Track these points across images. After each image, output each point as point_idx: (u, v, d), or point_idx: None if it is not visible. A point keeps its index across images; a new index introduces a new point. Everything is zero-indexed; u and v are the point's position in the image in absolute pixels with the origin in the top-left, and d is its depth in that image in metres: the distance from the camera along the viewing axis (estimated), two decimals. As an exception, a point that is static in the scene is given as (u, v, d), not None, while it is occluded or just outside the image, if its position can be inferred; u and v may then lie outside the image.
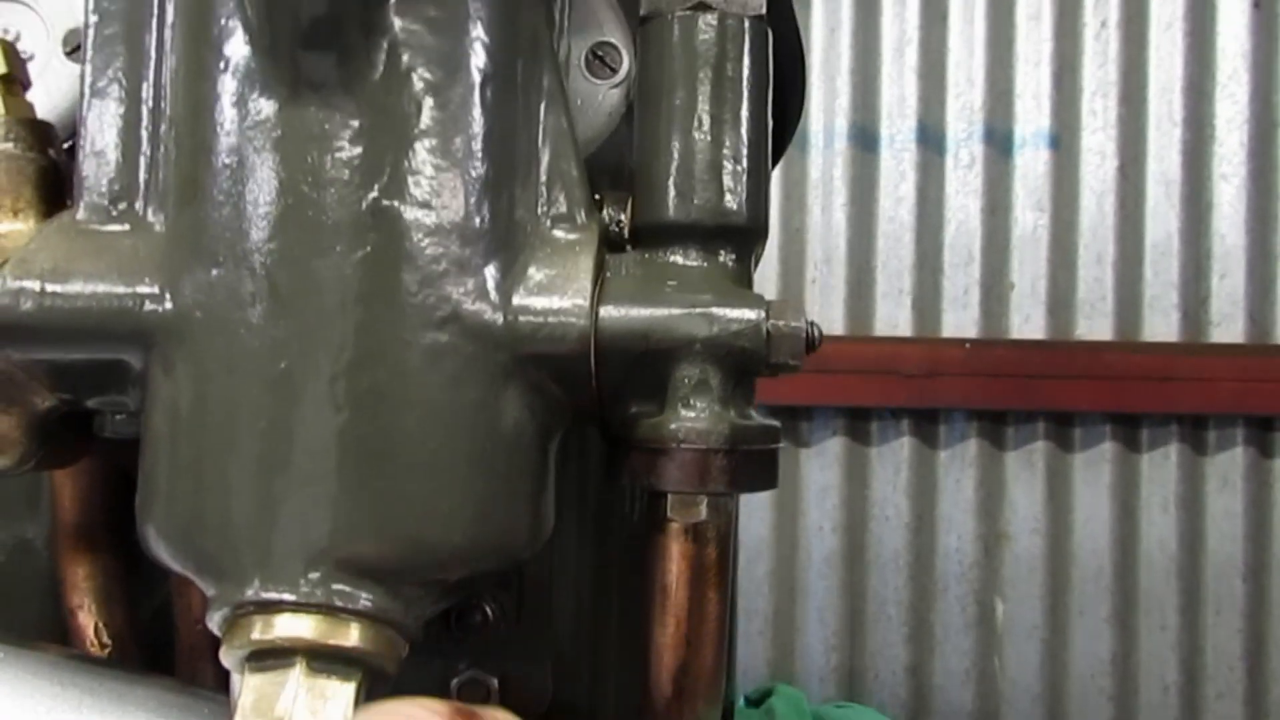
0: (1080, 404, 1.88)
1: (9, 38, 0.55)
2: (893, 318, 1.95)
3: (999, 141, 1.94)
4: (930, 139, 1.95)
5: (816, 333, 0.36)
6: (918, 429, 1.95)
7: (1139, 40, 1.90)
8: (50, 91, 0.52)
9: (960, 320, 1.95)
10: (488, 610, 0.48)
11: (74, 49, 0.54)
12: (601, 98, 0.53)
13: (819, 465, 1.95)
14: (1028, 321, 1.93)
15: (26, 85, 0.42)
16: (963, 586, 1.94)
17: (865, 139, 1.96)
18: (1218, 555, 1.89)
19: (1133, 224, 1.91)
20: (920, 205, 1.95)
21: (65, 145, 0.48)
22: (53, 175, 0.40)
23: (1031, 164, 1.94)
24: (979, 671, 1.91)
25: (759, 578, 1.91)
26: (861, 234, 1.96)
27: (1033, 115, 1.94)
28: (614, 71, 0.54)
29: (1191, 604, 1.89)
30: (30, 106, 0.42)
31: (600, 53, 0.54)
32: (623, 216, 0.42)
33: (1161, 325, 1.90)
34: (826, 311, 1.94)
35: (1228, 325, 1.88)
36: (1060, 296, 1.92)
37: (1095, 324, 1.92)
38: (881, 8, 1.96)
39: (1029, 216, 1.94)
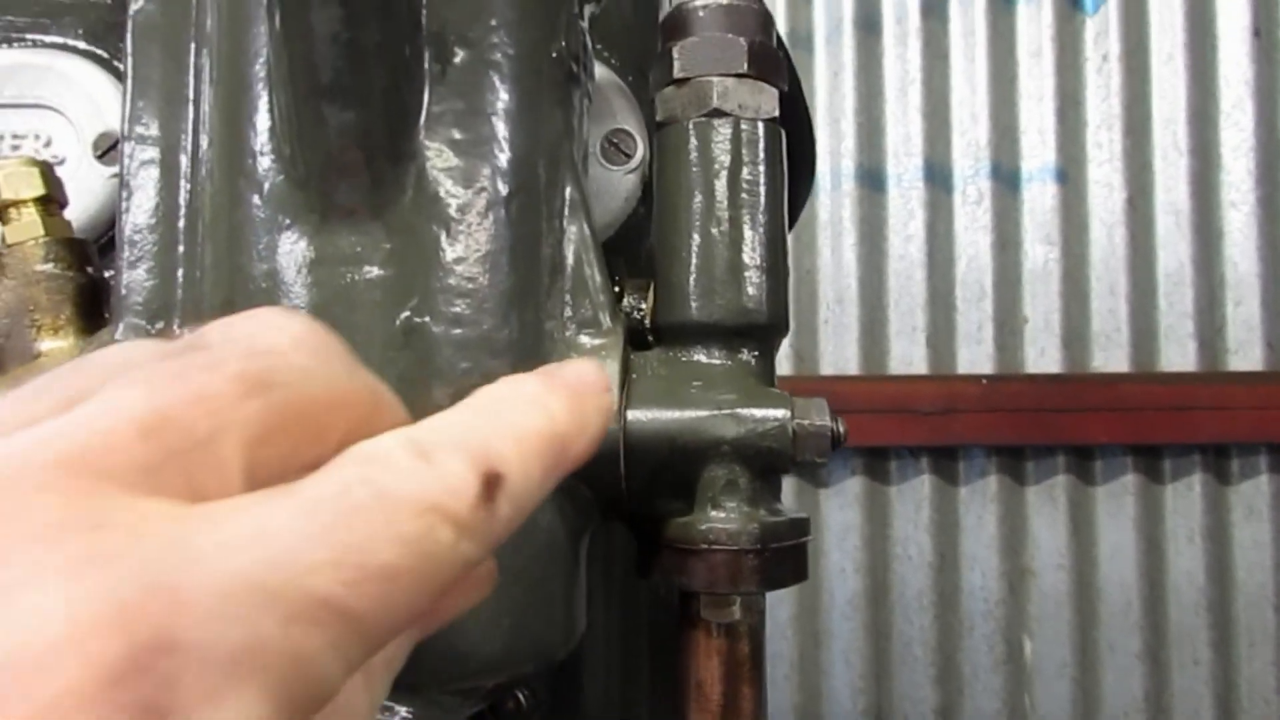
0: (1100, 436, 1.87)
1: (40, 142, 0.57)
2: (907, 356, 1.95)
3: (1006, 177, 1.95)
4: (937, 177, 1.96)
5: (841, 429, 0.36)
6: (937, 466, 1.94)
7: (1141, 72, 1.91)
8: (81, 194, 0.53)
9: (975, 356, 1.95)
10: (521, 698, 0.49)
11: (103, 152, 0.56)
12: (618, 183, 0.55)
13: (839, 505, 1.94)
14: (1043, 355, 1.93)
15: (64, 204, 0.44)
16: (989, 625, 1.92)
17: (872, 179, 1.97)
18: (1247, 586, 1.87)
19: (1144, 255, 1.91)
20: (930, 242, 1.95)
21: (97, 243, 0.49)
22: (91, 292, 0.42)
23: (1039, 198, 1.94)
24: (1010, 711, 1.89)
25: (782, 622, 1.89)
26: (873, 273, 1.96)
27: (1038, 150, 1.95)
28: (629, 158, 0.55)
29: (1223, 637, 1.87)
30: (68, 225, 0.43)
31: (615, 140, 0.55)
32: (643, 305, 0.43)
33: (1178, 355, 1.89)
34: (840, 351, 1.94)
35: (1245, 352, 1.88)
36: (1075, 329, 1.92)
37: (1111, 356, 1.91)
38: (883, 49, 1.98)
39: (1039, 250, 1.94)
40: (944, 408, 1.86)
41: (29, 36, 0.59)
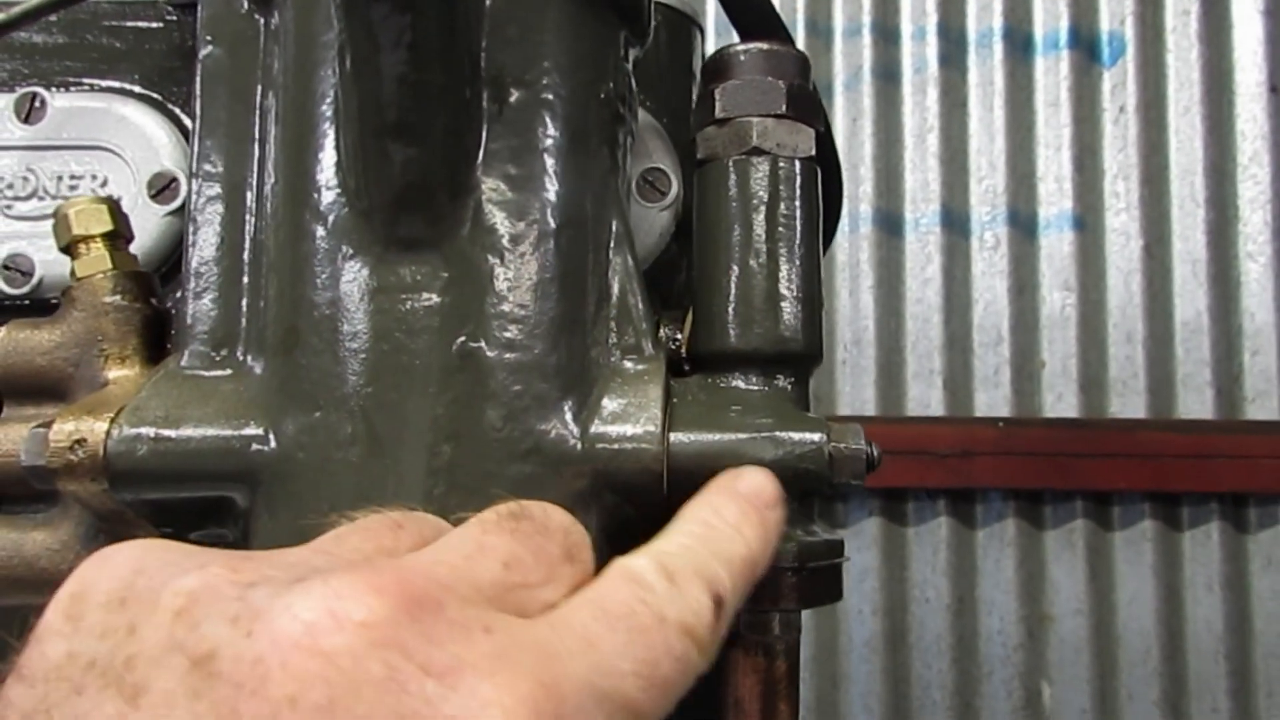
0: (1118, 483, 1.87)
1: (96, 182, 0.60)
2: (925, 398, 1.96)
3: (1023, 224, 1.97)
4: (955, 222, 1.98)
5: (876, 453, 0.38)
6: (954, 509, 1.94)
7: (1159, 124, 1.94)
8: (137, 231, 0.56)
9: (993, 400, 1.95)
10: None
11: (158, 191, 0.58)
12: (653, 219, 0.57)
13: (857, 547, 1.94)
14: (1060, 400, 1.94)
15: (129, 240, 0.46)
16: (1008, 670, 1.91)
17: (890, 223, 2.00)
18: (1266, 636, 1.86)
19: (1161, 303, 1.92)
20: (947, 286, 1.97)
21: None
22: (155, 323, 0.44)
23: (1057, 245, 1.96)
24: (1028, 758, 1.88)
25: (801, 665, 1.89)
26: (890, 316, 1.98)
27: (1055, 198, 1.97)
28: (663, 195, 0.57)
29: (1243, 686, 1.86)
30: (134, 259, 0.45)
31: (650, 178, 0.57)
32: (679, 335, 0.45)
33: (1195, 403, 1.90)
34: (858, 393, 1.95)
35: (1262, 402, 1.88)
36: (1092, 375, 1.93)
37: (1129, 402, 1.92)
38: (902, 97, 2.01)
39: (1057, 296, 1.95)
40: (961, 450, 1.87)
41: (86, 81, 0.61)
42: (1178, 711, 1.86)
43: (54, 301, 0.58)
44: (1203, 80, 1.93)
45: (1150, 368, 1.91)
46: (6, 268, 0.57)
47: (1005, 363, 1.94)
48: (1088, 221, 1.95)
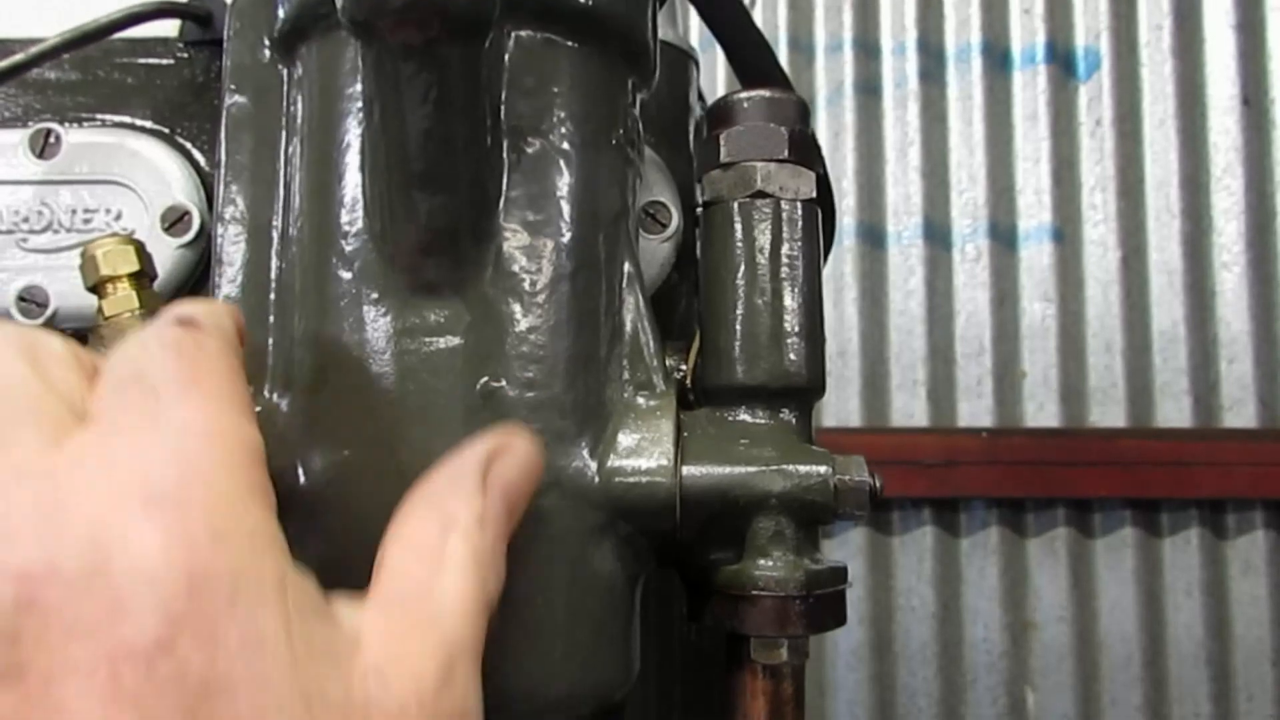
0: (1099, 490, 1.90)
1: (110, 215, 0.61)
2: (908, 409, 1.99)
3: (1003, 236, 2.00)
4: (936, 235, 2.01)
5: (878, 484, 0.40)
6: (939, 518, 1.97)
7: (1134, 137, 1.98)
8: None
9: (975, 410, 1.98)
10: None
11: (171, 224, 0.59)
12: (654, 251, 0.58)
13: (843, 556, 1.96)
14: (1041, 410, 1.97)
15: (154, 278, 0.47)
16: (993, 677, 1.94)
17: (873, 236, 2.03)
18: (1245, 640, 1.89)
19: (1139, 312, 1.96)
20: (930, 298, 2.00)
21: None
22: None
23: (1036, 257, 1.99)
24: (1014, 764, 1.90)
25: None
26: (874, 327, 2.01)
27: (1035, 210, 2.00)
28: (664, 227, 0.59)
29: (1223, 691, 1.89)
30: (159, 298, 0.47)
31: (652, 210, 0.59)
32: (683, 366, 0.47)
33: (1174, 411, 1.93)
34: (843, 404, 1.98)
35: (1239, 410, 1.92)
36: (1072, 385, 1.96)
37: (1108, 411, 1.95)
38: (883, 111, 2.04)
39: (1037, 307, 1.99)
40: (945, 460, 1.90)
41: (99, 116, 0.63)
42: (1160, 716, 1.89)
43: (68, 333, 0.59)
44: (1177, 93, 1.97)
45: (1129, 377, 1.94)
46: (22, 299, 0.59)
47: (987, 373, 1.97)
48: (1066, 233, 1.98)
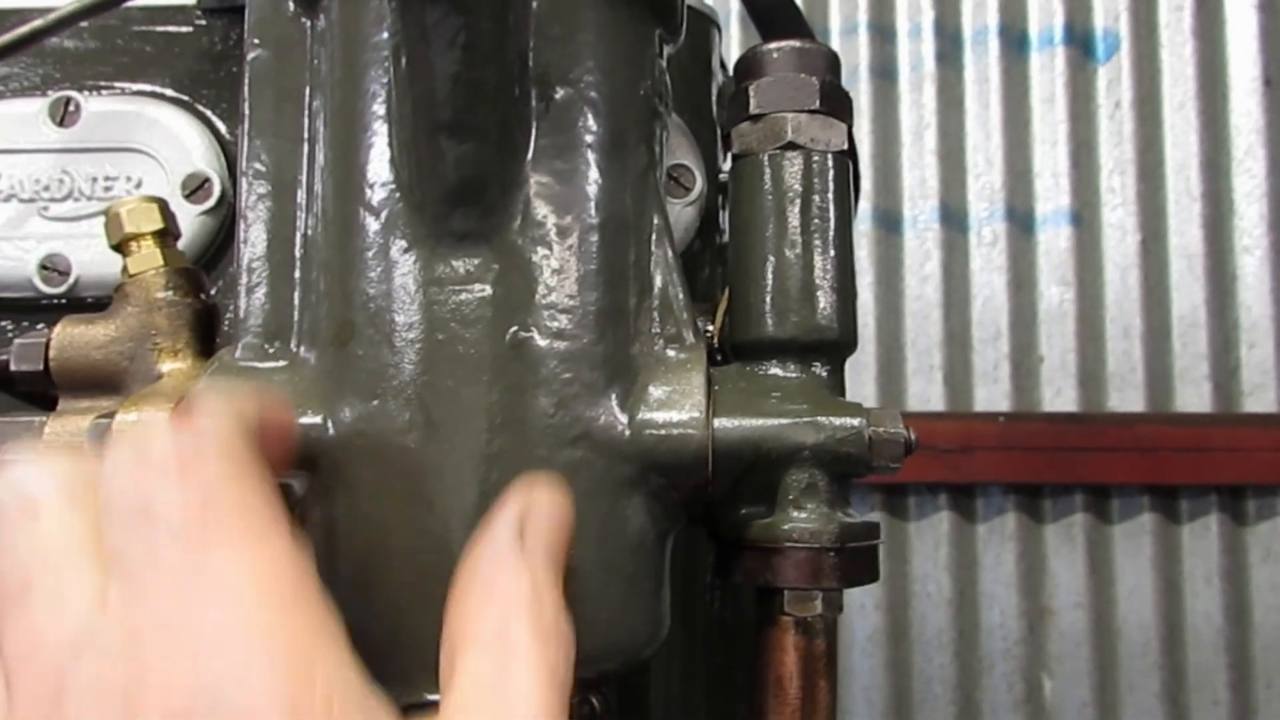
0: (1117, 476, 1.89)
1: (130, 184, 0.61)
2: (924, 394, 1.98)
3: (1020, 219, 1.99)
4: (953, 219, 2.00)
5: (913, 438, 0.39)
6: (955, 504, 1.96)
7: (1154, 120, 1.96)
8: (173, 230, 0.56)
9: (992, 395, 1.97)
10: (594, 702, 0.51)
11: (192, 192, 0.59)
12: (678, 215, 0.58)
13: (857, 543, 1.95)
14: (1059, 395, 1.95)
15: (178, 236, 0.47)
16: (1009, 663, 1.93)
17: (889, 221, 2.01)
18: (1265, 628, 1.88)
19: (1158, 297, 1.94)
20: (946, 283, 1.98)
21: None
22: (206, 318, 0.45)
23: (1054, 240, 1.98)
24: (1031, 751, 1.89)
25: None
26: (890, 312, 1.99)
27: (1052, 193, 1.98)
28: (688, 191, 0.59)
29: (1242, 679, 1.88)
30: (183, 256, 0.47)
31: (675, 174, 0.59)
32: (710, 327, 0.46)
33: (1193, 397, 1.91)
34: (859, 389, 1.97)
35: (1259, 395, 1.90)
36: (1090, 370, 1.95)
37: (1127, 396, 1.93)
38: (899, 94, 2.03)
39: (1054, 291, 1.97)
40: (961, 445, 1.88)
41: (117, 85, 0.62)
42: (1178, 704, 1.88)
43: (90, 301, 0.59)
44: (1197, 75, 1.95)
45: (1148, 362, 1.92)
46: (44, 268, 0.58)
47: (1004, 358, 1.96)
48: (1084, 217, 1.96)
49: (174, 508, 0.28)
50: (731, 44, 1.91)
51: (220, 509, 0.28)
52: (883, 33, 2.03)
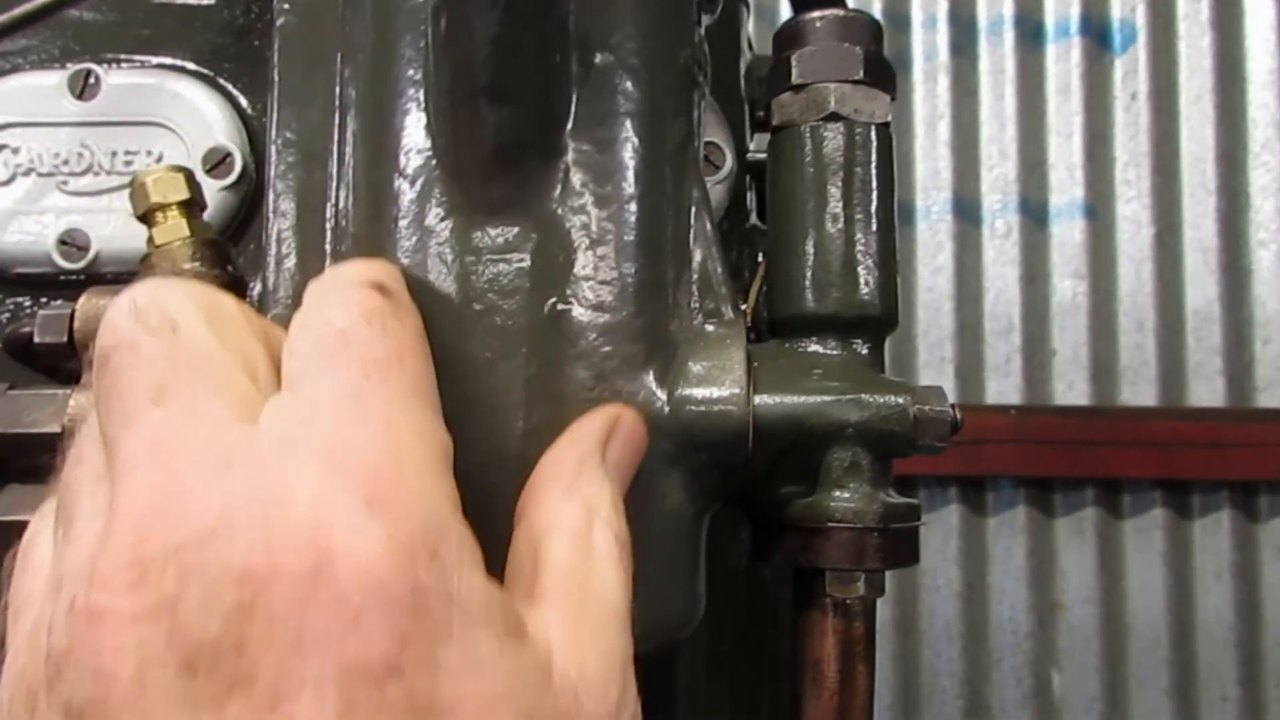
0: (1128, 471, 1.88)
1: (151, 158, 0.60)
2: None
3: (1034, 212, 1.97)
4: (966, 210, 1.99)
5: (959, 417, 0.38)
6: (965, 496, 1.95)
7: (1170, 112, 1.94)
8: (193, 204, 0.56)
9: (1003, 388, 1.96)
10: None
11: (213, 166, 0.58)
12: (709, 193, 0.57)
13: (866, 536, 1.94)
14: (1071, 389, 1.94)
15: (204, 207, 0.46)
16: (1018, 658, 1.92)
17: (901, 212, 2.00)
18: (1276, 624, 1.87)
19: (1172, 291, 1.93)
20: (959, 275, 1.97)
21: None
22: (232, 289, 0.44)
23: (1068, 233, 1.96)
24: (1039, 745, 1.89)
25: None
26: (901, 304, 1.98)
27: (1066, 186, 1.97)
28: (718, 169, 0.57)
29: (1252, 675, 1.87)
30: (209, 227, 0.46)
31: (706, 152, 0.57)
32: (743, 305, 0.45)
33: (1206, 391, 1.90)
34: (869, 382, 1.95)
35: (1273, 390, 1.89)
36: (1102, 363, 1.94)
37: (1139, 390, 1.92)
38: (913, 84, 2.01)
39: (1068, 284, 1.96)
40: (972, 438, 1.87)
41: (137, 58, 0.61)
42: (1187, 699, 1.87)
43: (109, 277, 0.58)
44: (1214, 67, 1.93)
45: (1161, 356, 1.91)
46: (64, 243, 0.57)
47: (1016, 351, 1.95)
48: (1099, 209, 1.95)
49: (369, 349, 0.29)
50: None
51: (405, 365, 0.29)
52: (897, 22, 2.02)
